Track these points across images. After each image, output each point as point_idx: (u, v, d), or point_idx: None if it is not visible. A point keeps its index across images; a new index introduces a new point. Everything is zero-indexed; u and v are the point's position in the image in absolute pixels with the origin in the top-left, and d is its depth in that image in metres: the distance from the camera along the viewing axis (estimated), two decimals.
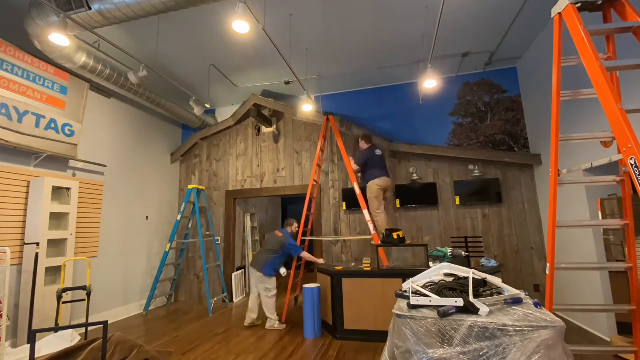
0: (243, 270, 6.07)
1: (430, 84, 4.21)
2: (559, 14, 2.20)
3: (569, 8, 2.09)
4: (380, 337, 3.45)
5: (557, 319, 1.46)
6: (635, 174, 1.64)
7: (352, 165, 4.56)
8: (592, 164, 2.25)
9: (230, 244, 5.74)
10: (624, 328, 3.19)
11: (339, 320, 3.67)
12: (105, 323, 1.91)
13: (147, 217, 5.40)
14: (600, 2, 2.08)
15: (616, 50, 2.25)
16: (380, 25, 4.00)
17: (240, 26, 3.02)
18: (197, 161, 6.19)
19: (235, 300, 5.55)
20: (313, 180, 4.78)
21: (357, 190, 4.45)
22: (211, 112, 6.40)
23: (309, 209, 5.14)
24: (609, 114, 1.82)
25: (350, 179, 4.53)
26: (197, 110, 4.80)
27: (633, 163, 1.67)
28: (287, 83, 5.42)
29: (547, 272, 2.30)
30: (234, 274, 5.66)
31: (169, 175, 6.01)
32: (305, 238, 4.79)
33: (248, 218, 6.36)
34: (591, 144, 3.32)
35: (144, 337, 3.90)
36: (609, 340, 3.26)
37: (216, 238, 5.77)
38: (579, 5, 2.10)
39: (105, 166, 4.67)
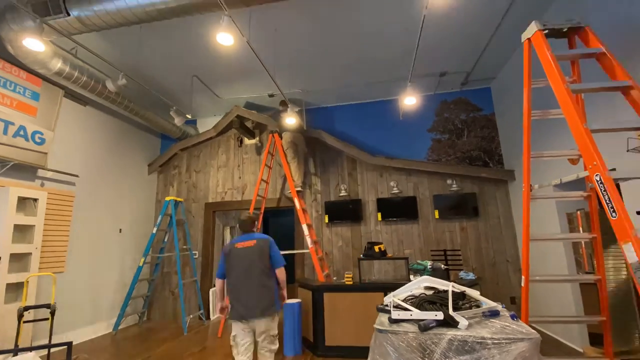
0: None
1: (410, 101, 4.35)
2: (529, 39, 2.35)
3: (537, 34, 2.23)
4: (362, 352, 3.39)
5: (533, 331, 1.49)
6: (601, 189, 1.74)
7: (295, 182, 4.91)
8: (561, 179, 2.37)
9: (208, 258, 5.57)
10: (595, 339, 3.30)
11: (320, 336, 3.59)
12: (69, 344, 1.78)
13: (120, 230, 5.17)
14: (565, 30, 2.24)
15: (581, 73, 2.41)
16: (362, 44, 4.12)
17: (225, 39, 3.03)
18: (175, 172, 6.04)
19: (212, 318, 5.34)
20: (257, 195, 4.83)
21: (298, 206, 4.65)
22: (192, 122, 6.31)
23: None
24: (575, 133, 1.93)
25: (292, 194, 4.79)
26: (178, 121, 4.72)
27: (598, 179, 1.77)
28: (271, 96, 5.45)
29: (522, 285, 2.36)
30: (211, 290, 5.47)
31: (145, 187, 5.82)
32: None
33: (228, 231, 6.22)
34: (560, 160, 3.50)
35: (112, 358, 3.66)
36: (581, 351, 3.35)
37: (193, 252, 5.59)
38: (546, 31, 2.25)
39: (77, 176, 4.47)
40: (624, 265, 3.25)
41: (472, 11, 3.58)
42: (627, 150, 2.53)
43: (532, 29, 2.27)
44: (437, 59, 4.51)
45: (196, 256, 5.58)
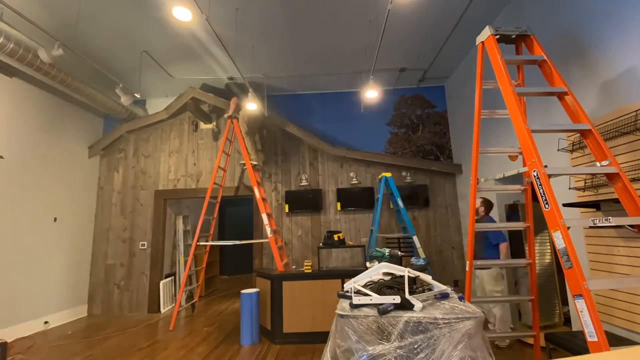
0: (172, 277, 5.60)
1: (371, 94, 4.45)
2: (482, 42, 2.51)
3: (490, 38, 2.40)
4: (319, 338, 3.48)
5: (478, 310, 1.65)
6: (537, 183, 1.95)
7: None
8: (504, 174, 2.61)
9: (158, 249, 5.26)
10: (522, 315, 3.74)
11: (278, 324, 3.61)
12: (3, 345, 1.58)
13: (55, 219, 4.65)
14: (514, 36, 2.43)
15: (524, 78, 2.65)
16: (326, 33, 4.10)
17: (182, 13, 2.82)
18: (121, 156, 5.56)
19: (163, 311, 5.09)
20: (214, 183, 4.64)
21: (257, 194, 4.41)
22: (141, 102, 5.82)
23: (210, 214, 4.95)
24: (518, 133, 2.13)
25: (251, 183, 4.50)
26: (125, 100, 4.34)
27: (535, 175, 1.98)
28: (231, 79, 5.22)
29: (467, 269, 2.59)
30: (162, 282, 5.19)
31: (85, 171, 5.27)
32: (208, 243, 4.78)
33: (180, 221, 5.91)
34: (499, 157, 3.85)
35: (50, 357, 3.34)
36: (512, 326, 3.78)
37: (141, 243, 5.24)
38: (497, 36, 2.43)
39: (1, 157, 3.90)
40: (548, 251, 3.71)
41: (431, 12, 3.73)
42: (557, 150, 2.86)
43: (486, 32, 2.43)
44: (398, 55, 4.65)
45: (144, 247, 5.24)
